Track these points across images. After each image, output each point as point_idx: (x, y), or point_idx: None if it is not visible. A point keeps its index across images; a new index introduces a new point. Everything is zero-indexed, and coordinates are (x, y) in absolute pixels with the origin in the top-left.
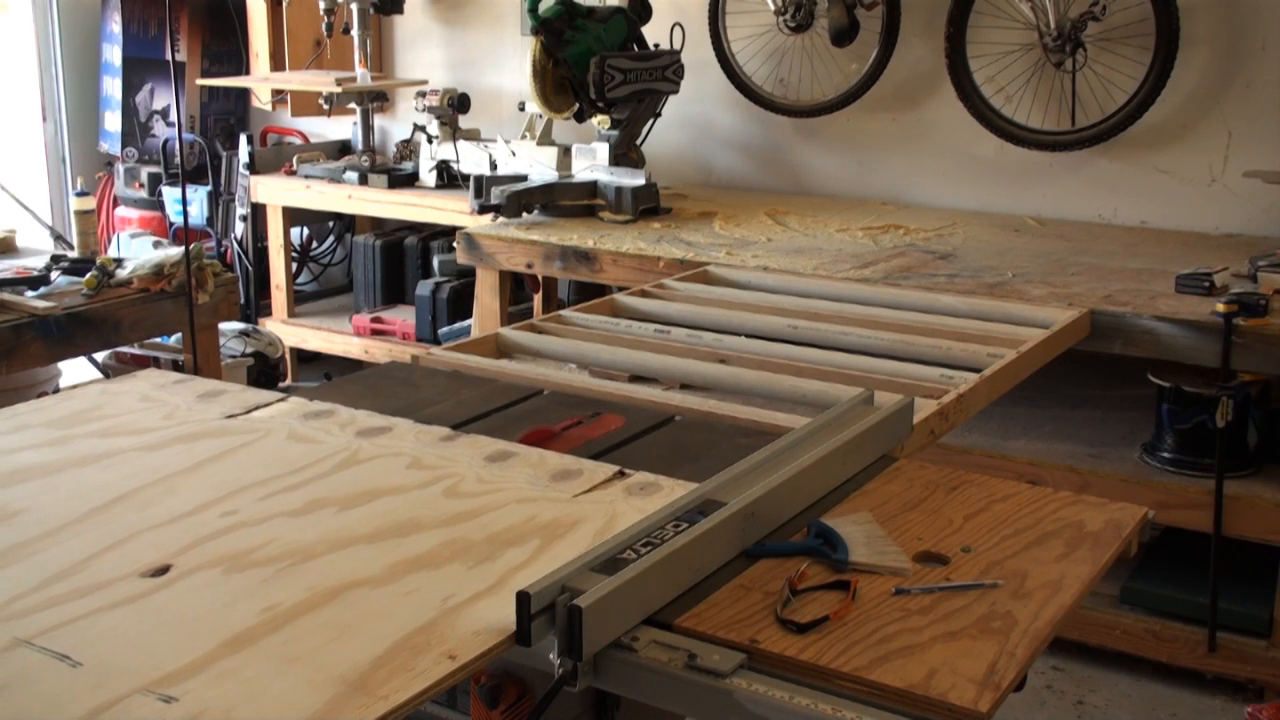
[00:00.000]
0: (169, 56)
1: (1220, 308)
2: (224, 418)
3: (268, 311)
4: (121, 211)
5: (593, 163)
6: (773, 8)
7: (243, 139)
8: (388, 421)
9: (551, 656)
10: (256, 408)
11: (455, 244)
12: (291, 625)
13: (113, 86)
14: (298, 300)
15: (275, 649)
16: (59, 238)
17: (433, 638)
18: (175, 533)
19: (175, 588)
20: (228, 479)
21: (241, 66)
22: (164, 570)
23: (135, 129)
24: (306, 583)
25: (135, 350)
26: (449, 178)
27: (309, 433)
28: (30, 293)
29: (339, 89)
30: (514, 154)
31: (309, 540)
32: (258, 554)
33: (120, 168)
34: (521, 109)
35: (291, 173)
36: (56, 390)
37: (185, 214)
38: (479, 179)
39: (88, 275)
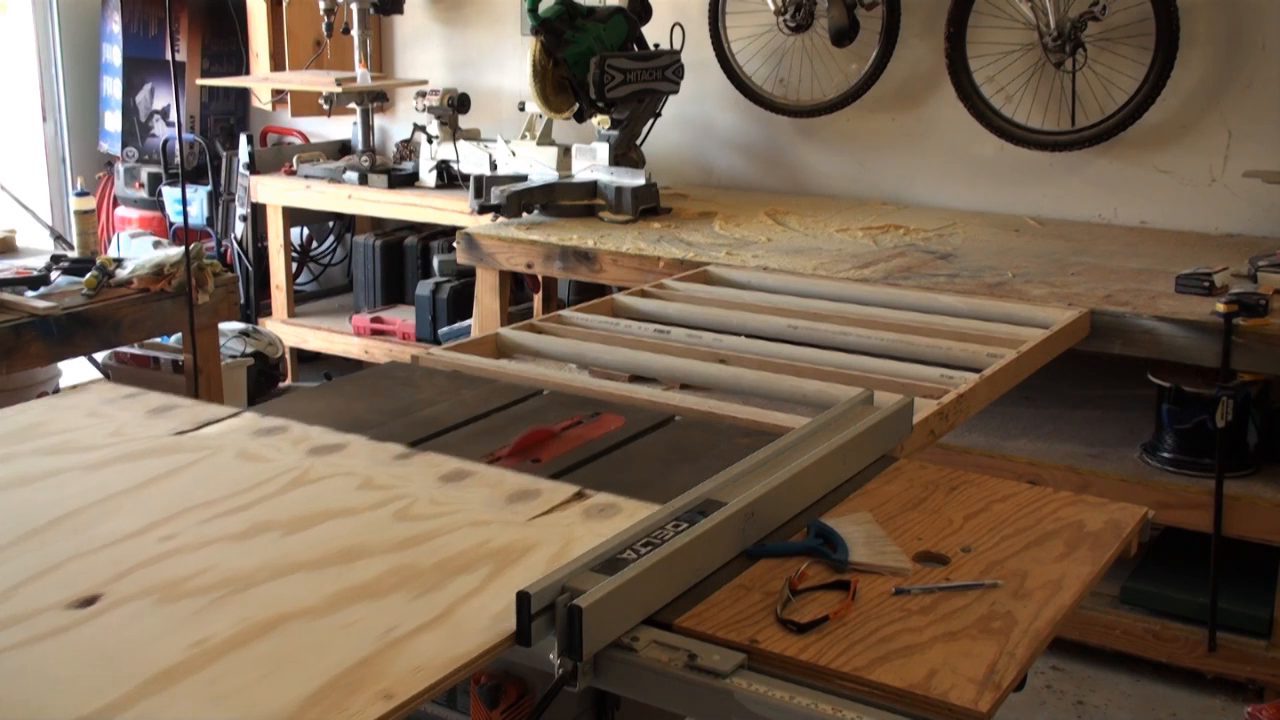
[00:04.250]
0: (169, 56)
1: (1220, 308)
2: (172, 434)
3: (268, 311)
4: (121, 211)
5: (593, 163)
6: (773, 8)
7: (243, 139)
8: (341, 438)
9: (551, 656)
10: (208, 424)
11: (455, 244)
12: (221, 661)
13: (113, 86)
14: (298, 300)
15: (201, 687)
16: (59, 238)
17: (369, 675)
18: (109, 559)
19: (103, 620)
20: (170, 500)
21: (241, 66)
22: (92, 600)
23: (135, 129)
24: (241, 614)
25: (135, 350)
26: (449, 178)
27: (259, 450)
28: (30, 293)
29: (339, 89)
30: (514, 154)
31: (249, 567)
32: (193, 582)
33: (120, 168)
34: (521, 109)
35: (291, 173)
36: (57, 390)
37: (185, 214)
38: (479, 179)
39: (88, 275)
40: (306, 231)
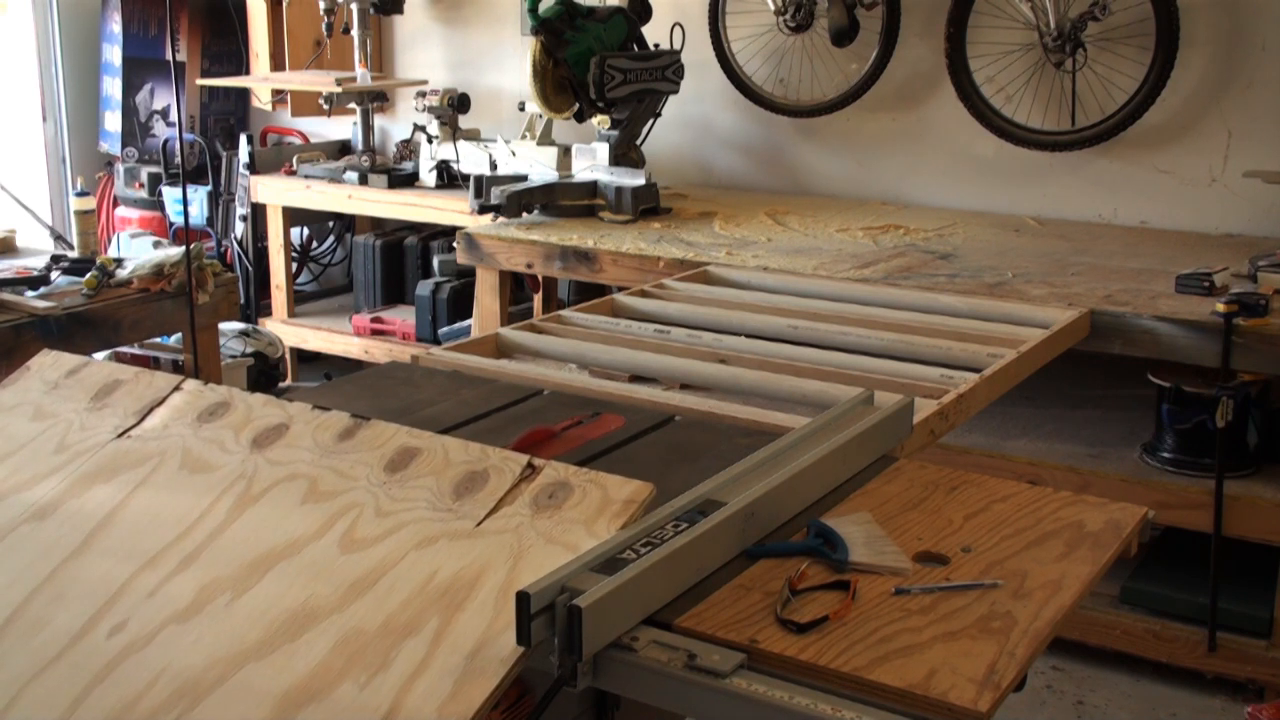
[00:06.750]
0: (169, 56)
1: (1220, 308)
2: (116, 436)
3: (268, 311)
4: (121, 211)
5: (593, 163)
6: (773, 8)
7: (243, 139)
8: (285, 414)
9: (551, 656)
10: (152, 407)
11: (455, 244)
12: None
13: (113, 86)
14: (298, 300)
15: None
16: (59, 238)
17: None
18: (61, 678)
19: None
20: (117, 561)
21: (241, 66)
22: None
23: (135, 129)
24: None
25: (135, 350)
26: (449, 178)
27: (204, 450)
28: (30, 293)
29: (339, 89)
30: (514, 154)
31: (199, 666)
32: (145, 703)
33: (120, 168)
34: (521, 109)
35: (291, 173)
36: None
37: (185, 214)
38: (479, 179)
39: (88, 275)
40: (306, 231)
